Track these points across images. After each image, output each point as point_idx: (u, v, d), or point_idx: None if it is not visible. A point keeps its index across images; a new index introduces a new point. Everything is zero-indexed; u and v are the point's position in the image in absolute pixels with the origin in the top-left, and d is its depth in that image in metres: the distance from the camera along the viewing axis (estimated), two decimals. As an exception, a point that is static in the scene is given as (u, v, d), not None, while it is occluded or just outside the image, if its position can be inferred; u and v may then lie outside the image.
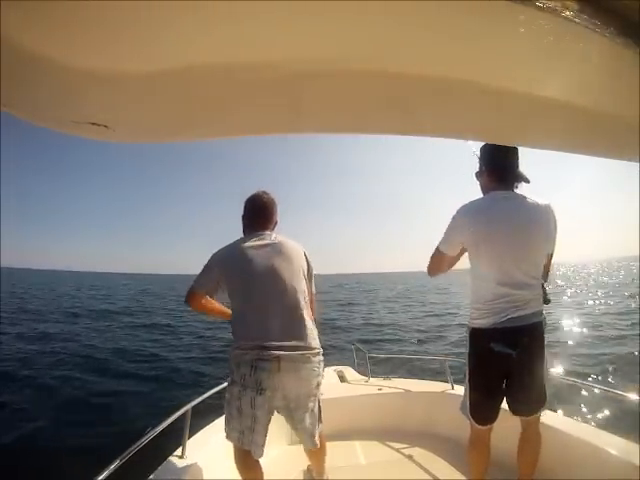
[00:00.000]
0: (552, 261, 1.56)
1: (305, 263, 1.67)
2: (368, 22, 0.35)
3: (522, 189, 1.52)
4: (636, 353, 7.16)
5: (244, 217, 1.74)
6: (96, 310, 17.97)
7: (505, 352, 1.41)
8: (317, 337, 1.58)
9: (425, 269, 1.61)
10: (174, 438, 1.74)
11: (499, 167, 1.51)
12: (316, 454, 1.77)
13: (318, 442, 1.65)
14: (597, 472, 1.44)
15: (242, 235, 1.72)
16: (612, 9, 0.32)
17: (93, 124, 0.47)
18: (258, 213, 1.69)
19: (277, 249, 1.60)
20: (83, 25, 0.34)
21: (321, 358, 1.57)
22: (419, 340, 10.06)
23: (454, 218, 1.53)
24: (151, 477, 1.54)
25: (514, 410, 1.51)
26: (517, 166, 1.50)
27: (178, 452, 1.71)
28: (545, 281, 1.52)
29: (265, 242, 1.60)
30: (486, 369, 1.50)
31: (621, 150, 0.61)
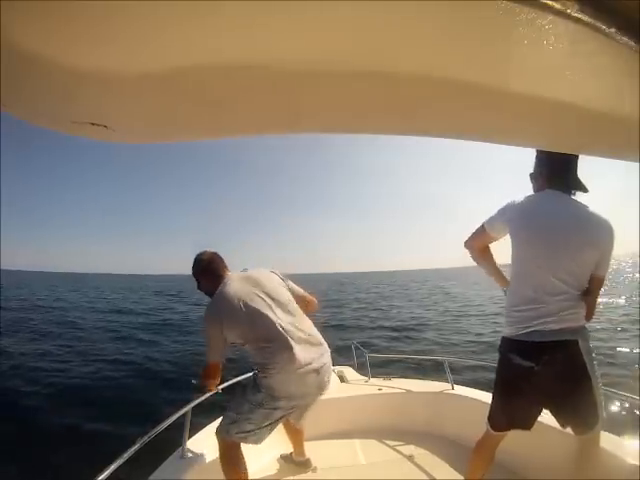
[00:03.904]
0: (602, 287, 1.38)
1: (277, 275, 1.73)
2: (368, 23, 0.35)
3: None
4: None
5: (199, 285, 1.73)
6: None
7: (525, 366, 1.36)
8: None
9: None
10: (174, 438, 1.74)
11: (554, 170, 1.44)
12: (298, 432, 1.95)
13: (304, 420, 1.84)
14: (597, 472, 1.44)
15: (205, 292, 1.71)
16: (612, 9, 0.32)
17: (93, 124, 0.47)
18: (209, 269, 1.70)
19: (251, 280, 1.63)
20: (83, 26, 0.34)
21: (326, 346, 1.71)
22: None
23: (506, 203, 1.50)
24: (151, 477, 1.54)
25: (560, 424, 1.45)
26: (573, 172, 1.42)
27: (178, 452, 1.71)
28: (593, 307, 1.37)
29: (237, 281, 1.62)
30: (506, 380, 1.47)
31: (621, 150, 0.61)
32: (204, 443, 1.81)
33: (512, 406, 1.46)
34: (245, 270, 1.72)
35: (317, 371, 1.54)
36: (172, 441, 1.74)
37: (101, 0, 0.32)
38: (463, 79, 0.42)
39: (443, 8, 0.33)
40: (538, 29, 0.34)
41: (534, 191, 1.52)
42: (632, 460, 1.51)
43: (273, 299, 1.58)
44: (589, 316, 1.38)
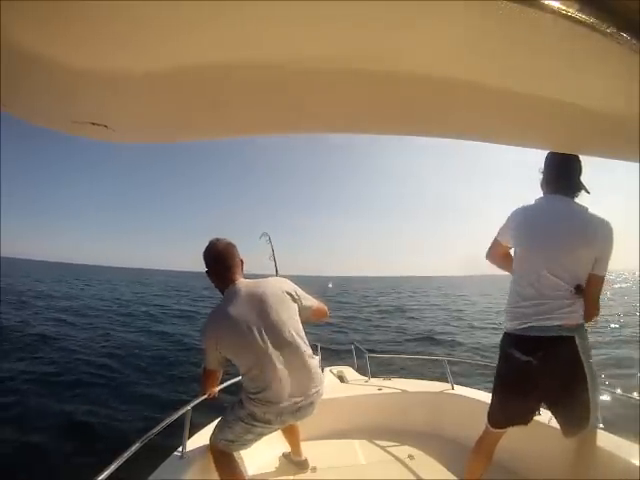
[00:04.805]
0: (601, 286, 1.39)
1: (290, 293, 1.64)
2: (368, 23, 0.35)
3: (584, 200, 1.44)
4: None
5: (208, 272, 1.67)
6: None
7: (522, 360, 1.39)
8: (318, 366, 1.64)
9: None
10: (174, 438, 1.74)
11: (553, 173, 1.49)
12: (293, 431, 1.94)
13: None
14: (597, 472, 1.44)
15: (217, 289, 1.66)
16: (612, 9, 0.32)
17: (93, 124, 0.47)
18: (220, 263, 1.63)
19: (256, 299, 1.56)
20: (83, 26, 0.34)
21: (324, 382, 1.65)
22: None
23: (511, 212, 1.58)
24: (151, 477, 1.54)
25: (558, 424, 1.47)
26: (573, 174, 1.45)
27: (178, 452, 1.71)
28: (591, 306, 1.38)
29: (241, 297, 1.56)
30: (505, 374, 1.50)
31: (621, 150, 0.61)
32: (204, 443, 1.81)
33: (511, 402, 1.47)
34: (256, 279, 1.65)
35: (299, 408, 1.53)
36: (172, 441, 1.74)
37: (101, 0, 0.32)
38: (463, 79, 0.42)
39: (443, 8, 0.33)
40: (538, 29, 0.34)
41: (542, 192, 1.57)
42: (632, 460, 1.51)
43: (273, 327, 1.53)
44: (589, 316, 1.39)
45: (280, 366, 1.50)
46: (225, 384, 2.01)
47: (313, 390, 1.57)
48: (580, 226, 1.39)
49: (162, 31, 0.35)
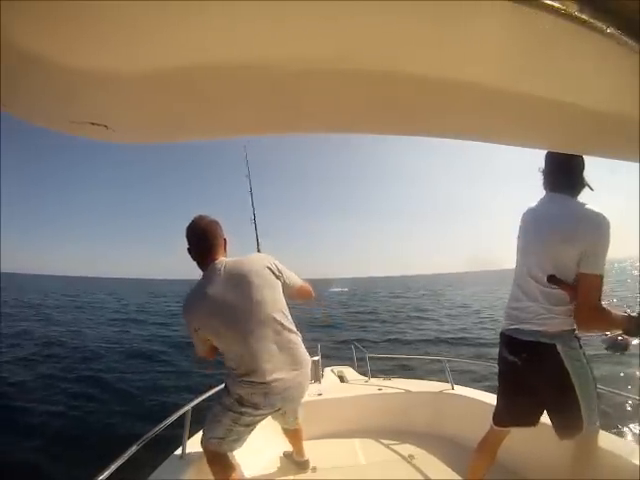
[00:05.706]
0: (594, 286, 1.23)
1: (271, 268, 1.58)
2: (368, 22, 0.35)
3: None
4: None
5: (189, 250, 1.61)
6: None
7: (509, 360, 1.41)
8: (302, 344, 1.59)
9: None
10: (174, 438, 1.74)
11: (550, 170, 1.44)
12: (296, 434, 1.90)
13: (299, 421, 1.82)
14: (597, 472, 1.44)
15: (199, 267, 1.61)
16: (612, 9, 0.32)
17: (93, 124, 0.47)
18: (201, 241, 1.58)
19: (236, 277, 1.50)
20: (83, 25, 0.34)
21: (310, 363, 1.60)
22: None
23: None
24: (151, 477, 1.54)
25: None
26: (571, 171, 1.38)
27: (178, 452, 1.71)
28: (582, 309, 1.25)
29: (221, 276, 1.51)
30: (500, 373, 1.53)
31: (621, 150, 0.61)
32: None
33: (509, 401, 1.49)
34: (238, 258, 1.60)
35: (287, 388, 1.50)
36: (172, 441, 1.74)
37: (102, 0, 0.32)
38: (463, 79, 0.42)
39: (443, 8, 0.33)
40: (538, 29, 0.34)
41: None
42: (632, 460, 1.51)
43: (255, 305, 1.47)
44: (581, 321, 1.28)
45: (265, 346, 1.46)
46: (211, 392, 1.97)
47: (298, 368, 1.54)
48: (563, 224, 1.30)
49: (163, 30, 0.35)
